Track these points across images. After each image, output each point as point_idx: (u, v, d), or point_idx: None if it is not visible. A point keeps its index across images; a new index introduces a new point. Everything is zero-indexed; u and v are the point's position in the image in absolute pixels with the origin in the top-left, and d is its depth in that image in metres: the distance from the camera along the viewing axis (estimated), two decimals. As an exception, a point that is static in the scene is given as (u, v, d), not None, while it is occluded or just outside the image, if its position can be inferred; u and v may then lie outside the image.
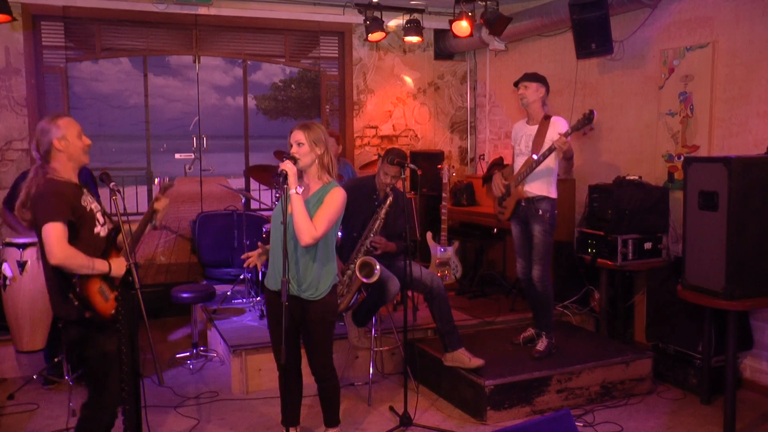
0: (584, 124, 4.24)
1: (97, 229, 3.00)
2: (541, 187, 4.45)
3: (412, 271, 4.00)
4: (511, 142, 4.74)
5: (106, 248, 3.00)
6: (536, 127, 4.47)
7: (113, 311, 2.94)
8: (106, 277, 2.95)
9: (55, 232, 2.79)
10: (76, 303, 2.86)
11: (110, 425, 3.17)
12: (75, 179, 3.01)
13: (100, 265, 2.90)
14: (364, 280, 4.11)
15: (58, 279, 2.89)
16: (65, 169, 2.97)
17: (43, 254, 2.91)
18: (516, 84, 4.57)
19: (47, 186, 2.88)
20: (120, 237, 3.03)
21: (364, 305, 4.45)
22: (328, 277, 3.40)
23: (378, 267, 4.08)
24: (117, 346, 3.00)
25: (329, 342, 3.51)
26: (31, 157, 5.91)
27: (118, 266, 2.95)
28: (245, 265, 3.71)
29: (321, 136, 3.33)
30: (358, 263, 4.17)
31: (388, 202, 4.27)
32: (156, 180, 3.30)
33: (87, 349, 2.99)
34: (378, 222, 4.30)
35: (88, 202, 3.01)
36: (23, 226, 3.44)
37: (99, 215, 3.05)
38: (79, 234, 2.89)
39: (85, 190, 3.03)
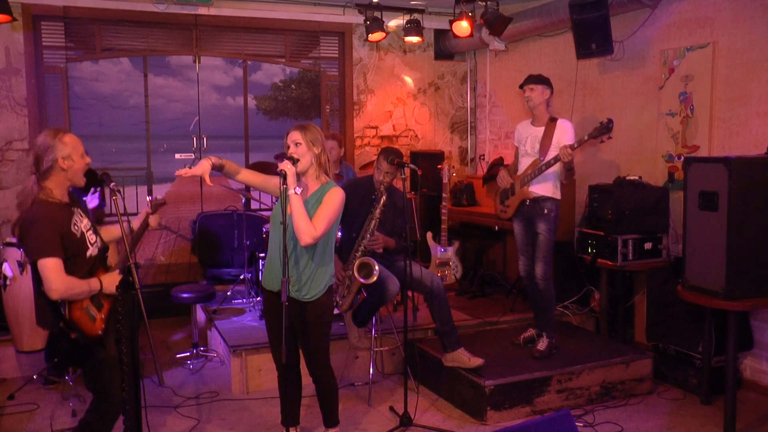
0: (601, 133, 4.22)
1: (90, 251, 2.96)
2: (546, 188, 4.48)
3: (412, 271, 4.00)
4: (514, 143, 4.75)
5: (93, 267, 2.97)
6: (542, 128, 4.49)
7: (100, 331, 2.92)
8: (93, 298, 2.93)
9: (52, 267, 2.74)
10: (62, 324, 2.83)
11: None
12: (66, 198, 2.94)
13: (93, 286, 2.89)
14: (363, 281, 4.11)
15: (46, 299, 2.84)
16: (60, 189, 2.89)
17: (33, 273, 2.87)
18: (522, 86, 4.58)
19: (38, 212, 2.79)
20: (110, 254, 3.04)
21: (365, 305, 4.44)
22: (323, 278, 3.39)
23: (377, 267, 4.08)
24: (112, 354, 2.99)
25: (326, 343, 3.50)
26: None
27: (109, 282, 2.93)
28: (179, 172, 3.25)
29: (318, 136, 3.34)
30: (356, 264, 4.16)
31: (382, 201, 4.27)
32: (148, 198, 3.26)
33: (81, 359, 2.99)
34: (373, 222, 4.29)
35: (78, 222, 2.94)
36: None
37: (90, 234, 2.99)
38: (71, 262, 2.84)
39: (75, 209, 2.97)
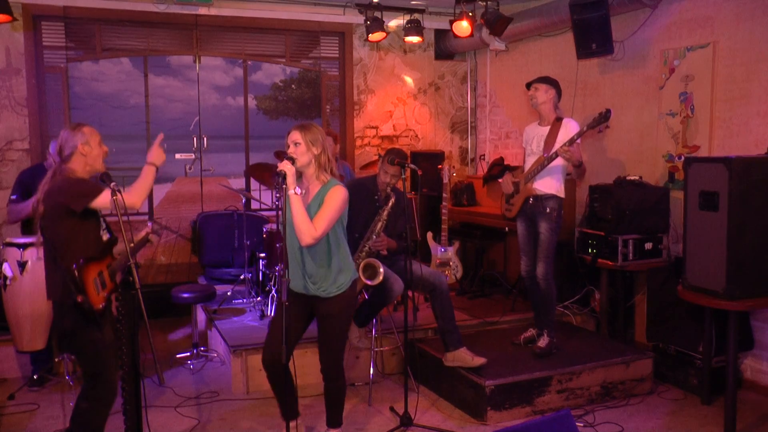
0: (599, 123, 4.32)
1: (102, 232, 3.17)
2: (550, 185, 4.49)
3: (415, 270, 4.01)
4: (523, 144, 4.77)
5: (105, 250, 3.14)
6: (548, 128, 4.52)
7: (102, 306, 3.03)
8: (100, 275, 3.06)
9: (106, 196, 3.01)
10: (72, 285, 2.94)
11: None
12: None
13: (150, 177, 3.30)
14: (369, 283, 4.10)
15: (58, 263, 3.01)
16: (82, 172, 3.15)
17: (45, 249, 3.11)
18: (528, 86, 4.61)
19: (66, 175, 3.07)
20: (116, 246, 3.22)
21: (367, 306, 4.44)
22: (347, 272, 3.42)
23: (382, 269, 4.09)
24: (110, 339, 3.09)
25: (343, 339, 3.51)
26: (32, 157, 5.94)
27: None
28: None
29: (318, 136, 3.33)
30: (362, 265, 4.16)
31: (390, 203, 4.27)
32: (149, 224, 3.54)
33: (79, 338, 3.06)
34: (380, 223, 4.29)
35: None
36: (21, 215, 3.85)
37: (103, 223, 3.22)
38: (89, 228, 3.07)
39: None
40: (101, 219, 3.20)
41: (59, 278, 3.02)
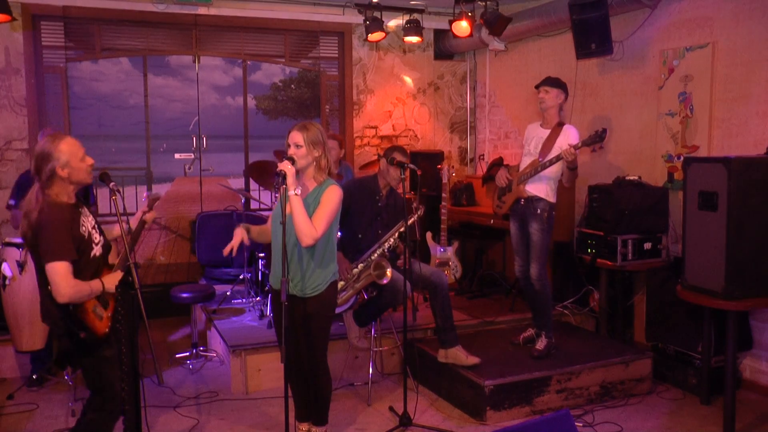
0: (594, 141, 4.32)
1: (94, 251, 2.99)
2: (540, 188, 4.49)
3: (416, 269, 4.00)
4: (523, 142, 4.78)
5: (98, 268, 3.00)
6: (548, 131, 4.53)
7: (107, 330, 2.96)
8: (99, 297, 2.95)
9: (61, 271, 2.76)
10: (71, 325, 2.86)
11: None
12: (73, 199, 2.96)
13: (95, 287, 2.90)
14: (384, 282, 4.10)
15: (53, 301, 2.85)
16: (65, 192, 2.90)
17: (37, 271, 2.90)
18: (537, 87, 4.60)
19: (50, 214, 2.80)
20: (111, 254, 3.07)
21: (373, 305, 4.44)
22: (327, 274, 3.42)
23: (389, 269, 4.11)
24: (115, 352, 3.02)
25: (325, 338, 3.51)
26: (31, 157, 5.93)
27: (110, 282, 2.95)
28: (226, 251, 3.42)
29: (319, 137, 3.33)
30: (373, 263, 4.16)
31: (420, 212, 4.30)
32: (144, 194, 3.32)
33: (82, 358, 3.01)
34: (402, 229, 4.27)
35: (85, 222, 2.98)
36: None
37: (95, 233, 3.03)
38: (78, 264, 2.87)
39: (82, 209, 3.00)
40: (91, 232, 2.99)
41: (53, 307, 2.86)
